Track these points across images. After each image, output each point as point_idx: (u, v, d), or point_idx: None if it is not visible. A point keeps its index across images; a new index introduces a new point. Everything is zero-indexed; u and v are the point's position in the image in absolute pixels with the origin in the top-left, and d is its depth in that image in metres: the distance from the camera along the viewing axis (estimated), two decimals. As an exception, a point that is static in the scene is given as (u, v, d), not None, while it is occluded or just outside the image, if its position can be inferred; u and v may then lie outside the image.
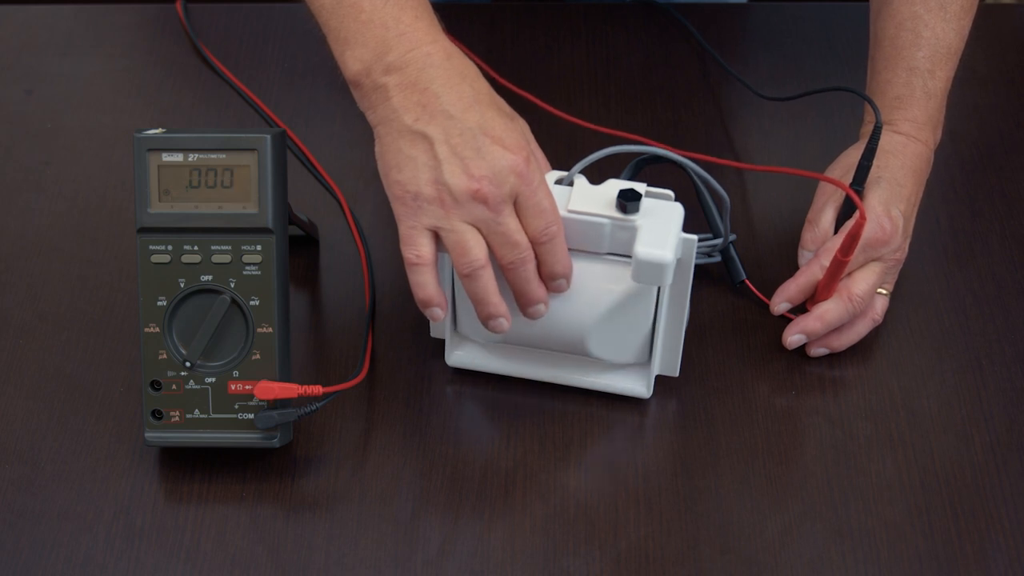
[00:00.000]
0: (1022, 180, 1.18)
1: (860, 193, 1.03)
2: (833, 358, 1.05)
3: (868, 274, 1.03)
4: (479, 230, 0.92)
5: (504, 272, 0.94)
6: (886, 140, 1.05)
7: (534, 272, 0.94)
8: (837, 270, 1.00)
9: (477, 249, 0.92)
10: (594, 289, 0.96)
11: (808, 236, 1.06)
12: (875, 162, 1.04)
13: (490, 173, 0.91)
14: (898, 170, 1.05)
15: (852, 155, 1.07)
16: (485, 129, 0.91)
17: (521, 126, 0.96)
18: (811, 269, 1.03)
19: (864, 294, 1.02)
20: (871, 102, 1.03)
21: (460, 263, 0.92)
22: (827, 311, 1.02)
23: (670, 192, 0.96)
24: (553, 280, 0.95)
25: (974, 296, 1.09)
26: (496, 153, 0.91)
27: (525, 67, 1.27)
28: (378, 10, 0.93)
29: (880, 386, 1.03)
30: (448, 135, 0.91)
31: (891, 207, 1.03)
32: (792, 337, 1.03)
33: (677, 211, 0.95)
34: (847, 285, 1.03)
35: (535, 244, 0.93)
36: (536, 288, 0.94)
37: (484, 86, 0.94)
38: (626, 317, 0.97)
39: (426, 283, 0.93)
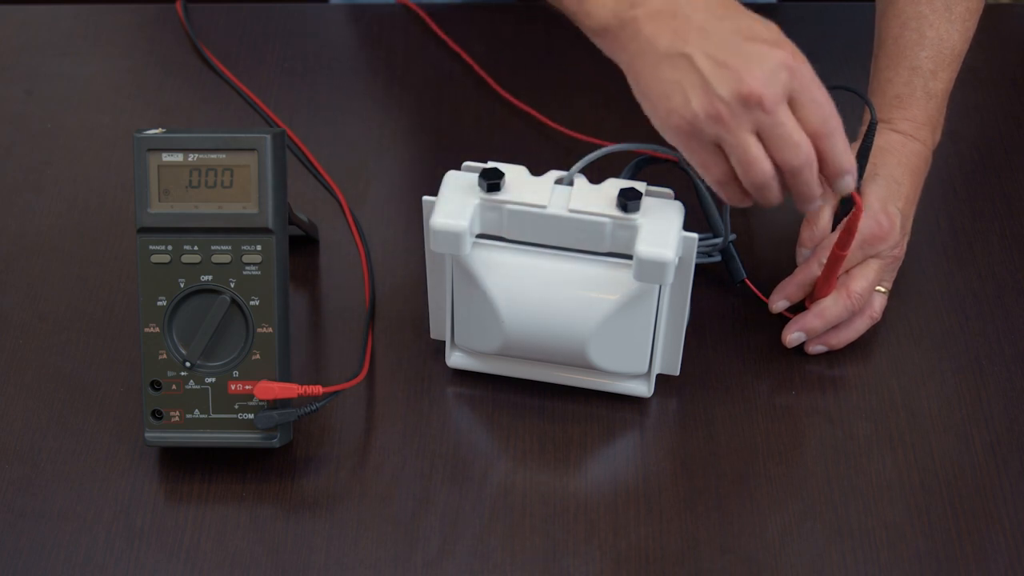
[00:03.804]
0: (1022, 180, 1.18)
1: (856, 189, 1.03)
2: (833, 357, 1.05)
3: (866, 271, 1.03)
4: (759, 136, 0.89)
5: (787, 177, 0.91)
6: (884, 138, 1.05)
7: (816, 173, 0.91)
8: (834, 265, 1.00)
9: (764, 161, 0.89)
10: (594, 296, 0.96)
11: (806, 234, 1.06)
12: (873, 160, 1.04)
13: (760, 73, 0.88)
14: (895, 168, 1.05)
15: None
16: (743, 32, 0.89)
17: (777, 29, 0.93)
18: (809, 267, 1.03)
19: (863, 291, 1.03)
20: (866, 100, 1.03)
21: (749, 177, 0.90)
22: (826, 308, 1.03)
23: (670, 191, 0.96)
24: (840, 178, 0.92)
25: (974, 296, 1.09)
26: (762, 51, 0.88)
27: (525, 67, 1.27)
28: None
29: (880, 386, 1.03)
30: (707, 48, 0.88)
31: (888, 204, 1.03)
32: (792, 335, 1.03)
33: (678, 210, 0.95)
34: (845, 282, 1.03)
35: (816, 139, 0.90)
36: (817, 188, 0.91)
37: None
38: (626, 326, 0.97)
39: (740, 194, 0.91)
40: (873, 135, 1.02)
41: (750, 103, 0.87)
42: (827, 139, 0.90)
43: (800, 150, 0.89)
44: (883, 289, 1.05)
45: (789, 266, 1.07)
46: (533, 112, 1.21)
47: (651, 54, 0.89)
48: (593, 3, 0.91)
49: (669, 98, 0.89)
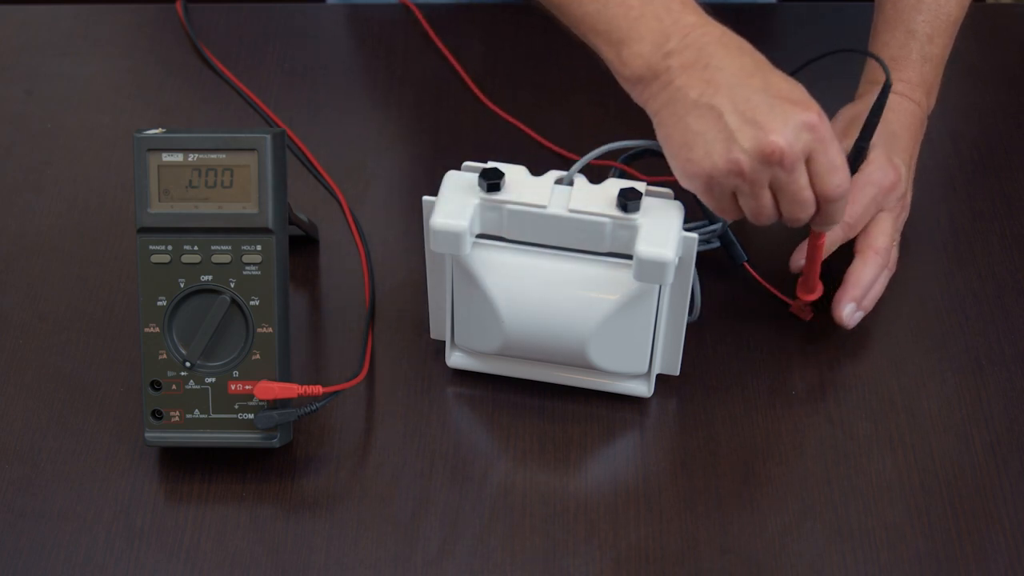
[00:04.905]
0: (1022, 180, 1.18)
1: (864, 151, 1.04)
2: (833, 358, 1.05)
3: (884, 225, 1.04)
4: (771, 188, 0.92)
5: (785, 221, 0.94)
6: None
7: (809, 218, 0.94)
8: (816, 247, 1.00)
9: (773, 211, 0.93)
10: (594, 296, 0.96)
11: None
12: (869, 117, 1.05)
13: (784, 131, 0.89)
14: (892, 123, 1.06)
15: (851, 110, 1.09)
16: (772, 91, 0.90)
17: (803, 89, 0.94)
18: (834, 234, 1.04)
19: (887, 246, 1.04)
20: (880, 60, 1.02)
21: (756, 221, 0.93)
22: (861, 274, 1.03)
23: (670, 191, 0.96)
24: (827, 226, 0.95)
25: (974, 296, 1.09)
26: (788, 110, 0.90)
27: (524, 67, 1.27)
28: (648, 4, 0.93)
29: (880, 386, 1.03)
30: (735, 103, 0.90)
31: (892, 156, 1.04)
32: (845, 312, 1.03)
33: (678, 209, 0.95)
34: (868, 243, 1.04)
35: (825, 201, 0.92)
36: (802, 226, 0.95)
37: (762, 57, 0.93)
38: (626, 326, 0.97)
39: (738, 217, 0.94)
40: (887, 95, 1.02)
41: (771, 160, 0.89)
42: (836, 203, 0.93)
43: (807, 208, 0.92)
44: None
45: (789, 245, 1.07)
46: (518, 123, 1.21)
47: (680, 103, 0.91)
48: (630, 54, 0.93)
49: (691, 148, 0.91)
